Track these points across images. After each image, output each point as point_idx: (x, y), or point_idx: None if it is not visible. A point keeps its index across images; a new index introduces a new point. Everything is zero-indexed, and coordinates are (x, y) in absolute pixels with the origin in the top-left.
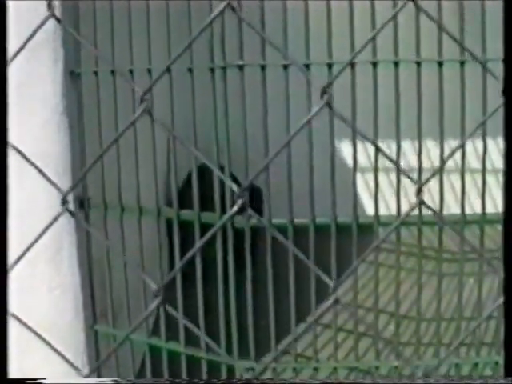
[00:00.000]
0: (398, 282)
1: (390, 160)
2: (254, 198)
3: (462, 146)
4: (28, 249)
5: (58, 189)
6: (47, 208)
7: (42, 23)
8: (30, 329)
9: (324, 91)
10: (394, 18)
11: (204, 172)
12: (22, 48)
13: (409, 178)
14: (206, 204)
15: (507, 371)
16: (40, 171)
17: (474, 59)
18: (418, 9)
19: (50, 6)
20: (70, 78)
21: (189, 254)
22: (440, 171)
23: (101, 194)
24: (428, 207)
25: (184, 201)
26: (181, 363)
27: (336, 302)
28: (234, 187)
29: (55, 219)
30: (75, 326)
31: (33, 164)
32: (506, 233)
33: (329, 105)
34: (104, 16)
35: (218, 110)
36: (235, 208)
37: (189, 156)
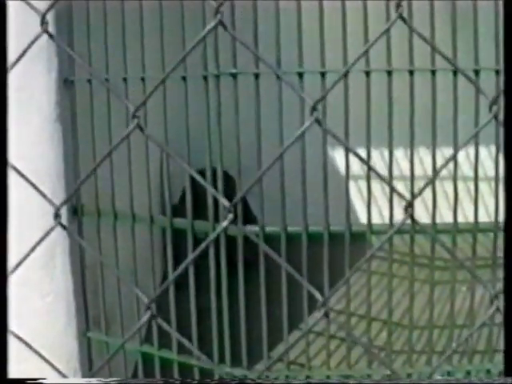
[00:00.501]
0: (390, 290)
1: (379, 175)
2: (247, 206)
3: (455, 156)
4: (23, 260)
5: (52, 203)
6: (40, 216)
7: (35, 39)
8: (17, 337)
9: (314, 108)
10: (387, 31)
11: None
12: (17, 60)
13: (399, 195)
14: (204, 210)
15: (507, 371)
16: (33, 185)
17: (467, 79)
18: (411, 29)
19: (43, 22)
20: (63, 86)
21: (181, 267)
22: (433, 181)
23: (94, 201)
24: (417, 223)
25: (183, 208)
26: (173, 370)
27: (326, 315)
28: (225, 202)
29: (47, 234)
30: (68, 332)
31: (27, 179)
32: (507, 236)
33: (318, 121)
34: (97, 20)
35: (212, 118)
36: (225, 223)
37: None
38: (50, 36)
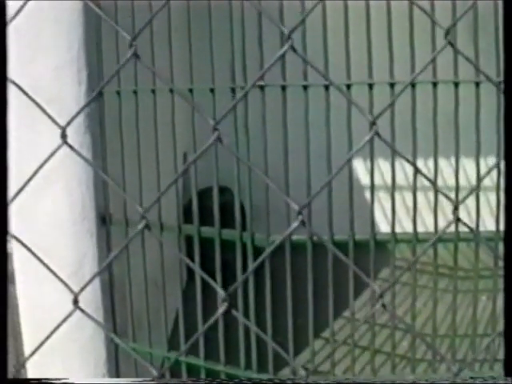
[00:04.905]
0: (414, 297)
1: (430, 181)
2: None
3: (478, 168)
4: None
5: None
6: (70, 225)
7: (126, 60)
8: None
9: (373, 123)
10: (433, 60)
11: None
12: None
13: (447, 197)
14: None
15: (507, 371)
16: None
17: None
18: (458, 53)
19: (131, 45)
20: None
21: (246, 274)
22: (456, 191)
23: (122, 210)
24: (465, 224)
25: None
26: (199, 377)
27: (383, 305)
28: (294, 205)
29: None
30: (96, 339)
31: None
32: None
33: (378, 134)
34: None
35: (239, 129)
36: (295, 224)
37: (201, 175)
38: (137, 56)
